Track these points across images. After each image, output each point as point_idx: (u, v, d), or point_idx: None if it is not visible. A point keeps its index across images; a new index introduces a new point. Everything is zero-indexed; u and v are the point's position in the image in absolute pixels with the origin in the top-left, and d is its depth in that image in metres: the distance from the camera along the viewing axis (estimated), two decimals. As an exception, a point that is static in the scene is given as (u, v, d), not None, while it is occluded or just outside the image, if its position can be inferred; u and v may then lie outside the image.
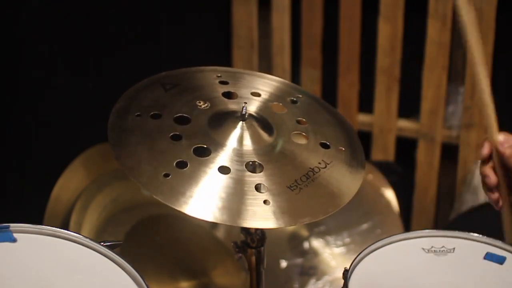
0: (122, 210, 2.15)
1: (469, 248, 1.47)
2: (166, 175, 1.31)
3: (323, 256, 2.32)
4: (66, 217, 2.07)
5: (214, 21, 2.73)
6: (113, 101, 1.46)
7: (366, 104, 2.66)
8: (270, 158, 1.38)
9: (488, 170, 1.21)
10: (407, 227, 2.56)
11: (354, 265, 1.41)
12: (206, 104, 1.45)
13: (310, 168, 1.39)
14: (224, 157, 1.36)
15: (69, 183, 2.13)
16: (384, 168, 2.47)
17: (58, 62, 2.53)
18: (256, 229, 1.50)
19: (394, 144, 2.68)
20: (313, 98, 1.58)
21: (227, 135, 1.39)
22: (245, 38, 2.69)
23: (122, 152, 1.34)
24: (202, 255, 2.23)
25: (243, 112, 1.41)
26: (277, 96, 1.52)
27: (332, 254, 2.31)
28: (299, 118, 1.48)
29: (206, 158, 1.35)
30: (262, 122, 1.43)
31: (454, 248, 1.46)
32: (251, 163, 1.37)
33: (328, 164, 1.41)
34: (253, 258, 1.53)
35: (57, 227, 1.35)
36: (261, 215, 1.30)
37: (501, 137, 1.24)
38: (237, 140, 1.39)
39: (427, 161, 2.64)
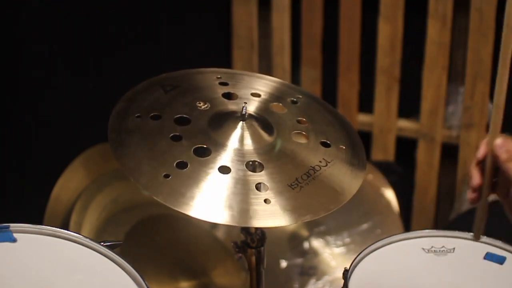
0: (122, 210, 2.15)
1: (469, 248, 1.47)
2: (166, 176, 1.31)
3: (323, 256, 2.32)
4: (66, 217, 2.07)
5: (214, 21, 2.73)
6: (113, 101, 1.46)
7: (366, 104, 2.66)
8: (271, 158, 1.38)
9: (475, 171, 1.23)
10: (407, 227, 2.56)
11: (354, 265, 1.41)
12: (206, 105, 1.45)
13: (310, 166, 1.39)
14: (224, 157, 1.36)
15: (69, 183, 2.13)
16: (384, 168, 2.47)
17: (58, 62, 2.53)
18: (256, 229, 1.50)
19: (394, 144, 2.68)
20: (313, 98, 1.58)
21: (227, 135, 1.39)
22: (245, 38, 2.69)
23: (122, 153, 1.34)
24: (202, 255, 2.23)
25: (243, 112, 1.42)
26: (277, 97, 1.52)
27: (332, 254, 2.31)
28: (299, 118, 1.48)
29: (206, 158, 1.35)
30: (262, 122, 1.44)
31: (454, 248, 1.46)
32: (251, 162, 1.37)
33: (329, 162, 1.41)
34: (253, 258, 1.53)
35: (57, 227, 1.35)
36: (262, 214, 1.30)
37: (499, 140, 1.24)
38: (237, 140, 1.39)
39: (427, 161, 2.64)
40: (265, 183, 1.34)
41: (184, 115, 1.42)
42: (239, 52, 2.71)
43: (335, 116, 1.54)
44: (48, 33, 2.48)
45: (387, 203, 2.38)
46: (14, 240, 1.31)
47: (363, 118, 2.69)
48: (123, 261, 1.31)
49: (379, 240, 1.47)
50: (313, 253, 2.32)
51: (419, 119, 2.62)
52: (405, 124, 2.66)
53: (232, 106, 1.46)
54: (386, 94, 2.62)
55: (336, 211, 1.36)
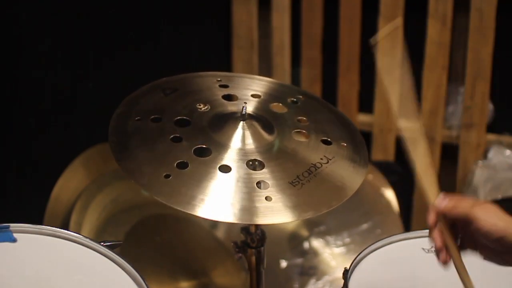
0: (122, 210, 2.15)
1: (469, 248, 1.46)
2: (167, 176, 1.31)
3: (323, 256, 2.32)
4: (66, 217, 2.07)
5: (214, 21, 2.73)
6: (113, 101, 1.46)
7: (366, 104, 2.66)
8: (271, 156, 1.39)
9: (435, 234, 1.22)
10: (407, 227, 2.55)
11: (354, 265, 1.41)
12: (206, 107, 1.45)
13: (312, 163, 1.39)
14: (225, 156, 1.36)
15: (69, 183, 2.13)
16: (384, 168, 2.47)
17: (58, 62, 2.53)
18: (256, 229, 1.50)
19: (394, 144, 2.68)
20: (313, 98, 1.59)
21: (228, 135, 1.40)
22: (245, 38, 2.69)
23: (123, 155, 1.35)
24: (202, 255, 2.23)
25: (243, 112, 1.42)
26: (277, 97, 1.53)
27: (332, 254, 2.31)
28: (299, 117, 1.48)
29: (207, 158, 1.35)
30: (262, 121, 1.44)
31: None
32: (252, 161, 1.37)
33: (330, 159, 1.41)
34: (253, 258, 1.53)
35: (57, 227, 1.35)
36: (264, 211, 1.30)
37: (438, 199, 1.24)
38: (238, 140, 1.39)
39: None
40: (266, 181, 1.34)
41: (184, 117, 1.42)
42: (239, 52, 2.71)
43: (336, 114, 1.55)
44: (48, 33, 2.48)
45: (387, 203, 2.38)
46: (14, 240, 1.32)
47: (363, 118, 2.68)
48: (123, 261, 1.32)
49: (379, 240, 1.47)
50: (313, 253, 2.32)
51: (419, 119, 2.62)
52: (405, 124, 2.65)
53: (232, 107, 1.46)
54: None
55: (336, 211, 1.36)
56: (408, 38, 2.55)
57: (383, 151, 2.68)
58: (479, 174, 2.54)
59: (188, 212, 1.28)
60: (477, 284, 1.40)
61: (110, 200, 2.15)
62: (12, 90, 2.51)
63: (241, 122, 1.41)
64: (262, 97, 1.51)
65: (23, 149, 2.57)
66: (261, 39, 2.70)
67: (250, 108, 1.46)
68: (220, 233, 2.27)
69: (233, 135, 1.40)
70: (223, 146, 1.37)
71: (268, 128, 1.43)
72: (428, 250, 1.47)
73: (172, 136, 1.38)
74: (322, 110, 1.55)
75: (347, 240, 2.32)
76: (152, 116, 1.41)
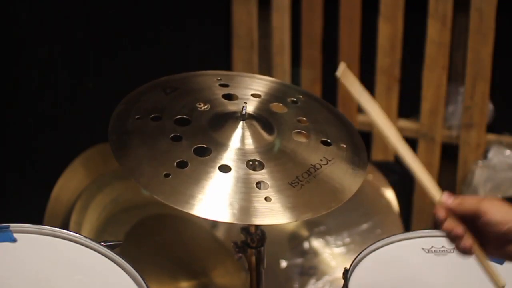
0: (122, 210, 2.15)
1: (469, 248, 1.46)
2: (167, 175, 1.31)
3: (323, 256, 2.31)
4: (66, 217, 2.07)
5: (214, 21, 2.73)
6: (113, 101, 1.46)
7: (366, 104, 2.66)
8: (271, 156, 1.39)
9: (450, 224, 1.21)
10: (407, 227, 2.56)
11: (354, 265, 1.41)
12: (206, 106, 1.45)
13: (311, 165, 1.39)
14: (224, 156, 1.36)
15: (69, 183, 2.13)
16: (384, 168, 2.47)
17: (58, 62, 2.53)
18: (256, 229, 1.50)
19: (394, 144, 2.67)
20: (313, 98, 1.58)
21: (228, 134, 1.39)
22: (245, 38, 2.69)
23: (123, 154, 1.35)
24: (202, 255, 2.23)
25: (243, 112, 1.42)
26: (278, 97, 1.53)
27: (332, 254, 2.31)
28: (299, 117, 1.48)
29: (207, 157, 1.35)
30: (262, 121, 1.44)
31: (454, 248, 1.46)
32: (252, 161, 1.37)
33: (329, 160, 1.41)
34: (253, 258, 1.53)
35: (57, 227, 1.35)
36: (263, 212, 1.30)
37: (444, 196, 1.24)
38: (238, 139, 1.39)
39: (427, 161, 2.64)
40: (266, 181, 1.34)
41: (184, 116, 1.42)
42: (239, 52, 2.71)
43: (336, 115, 1.54)
44: (48, 33, 2.48)
45: (387, 203, 2.38)
46: (14, 240, 1.32)
47: (363, 118, 2.68)
48: (123, 261, 1.32)
49: (379, 240, 1.47)
50: (313, 253, 2.32)
51: (419, 119, 2.62)
52: (405, 124, 2.66)
53: (232, 106, 1.46)
54: (386, 94, 2.62)
55: (336, 211, 1.36)
56: (408, 38, 2.57)
57: (383, 151, 2.68)
58: (479, 174, 2.54)
59: (187, 211, 1.28)
60: (478, 284, 1.40)
61: (110, 200, 2.15)
62: (12, 90, 2.51)
63: (241, 122, 1.41)
64: (262, 96, 1.51)
65: (23, 149, 2.57)
66: (261, 39, 2.70)
67: (250, 107, 1.46)
68: (220, 233, 2.27)
69: (233, 135, 1.40)
70: (223, 146, 1.37)
71: (268, 128, 1.43)
72: (428, 250, 1.47)
73: (172, 135, 1.38)
74: (322, 110, 1.54)
75: (347, 240, 2.32)
76: (152, 115, 1.41)
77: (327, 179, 1.38)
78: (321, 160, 1.40)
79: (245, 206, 1.30)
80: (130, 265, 1.31)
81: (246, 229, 1.51)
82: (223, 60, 2.72)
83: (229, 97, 1.49)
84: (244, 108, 1.42)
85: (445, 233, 1.22)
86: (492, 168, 2.53)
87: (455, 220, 1.21)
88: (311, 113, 1.51)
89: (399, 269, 1.43)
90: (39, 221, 2.04)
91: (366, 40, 2.60)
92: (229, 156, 1.36)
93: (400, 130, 2.66)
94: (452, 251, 1.46)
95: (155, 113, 1.42)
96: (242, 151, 1.38)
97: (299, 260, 2.31)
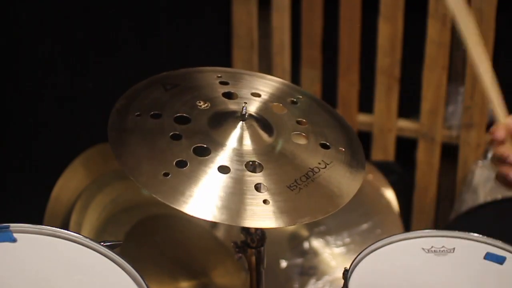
0: (122, 210, 2.15)
1: (469, 248, 1.47)
2: (166, 175, 1.31)
3: (323, 256, 2.32)
4: (66, 217, 2.07)
5: (214, 21, 2.73)
6: (113, 101, 1.46)
7: (366, 104, 2.66)
8: (270, 158, 1.38)
9: (506, 148, 1.18)
10: (407, 227, 2.56)
11: (354, 265, 1.41)
12: (206, 104, 1.45)
13: (310, 168, 1.39)
14: (224, 156, 1.36)
15: (69, 183, 2.13)
16: (384, 168, 2.47)
17: (58, 62, 2.53)
18: (256, 229, 1.50)
19: (394, 144, 2.68)
20: (313, 99, 1.58)
21: (227, 135, 1.39)
22: (245, 38, 2.69)
23: (122, 151, 1.35)
24: (202, 255, 2.23)
25: (243, 112, 1.42)
26: (277, 97, 1.52)
27: (332, 254, 2.31)
28: (299, 119, 1.48)
29: (206, 157, 1.35)
30: (262, 122, 1.44)
31: (454, 248, 1.46)
32: (251, 163, 1.37)
33: (328, 164, 1.41)
34: (253, 258, 1.53)
35: (57, 227, 1.35)
36: (261, 214, 1.30)
37: (509, 118, 1.22)
38: (237, 140, 1.39)
39: (427, 161, 2.64)
40: (264, 183, 1.34)
41: (184, 114, 1.42)
42: (239, 52, 2.71)
43: (335, 117, 1.54)
44: (48, 33, 2.48)
45: (387, 203, 2.38)
46: (14, 240, 1.31)
47: (363, 118, 2.69)
48: (123, 261, 1.31)
49: (379, 240, 1.47)
50: (313, 253, 2.32)
51: (419, 119, 2.62)
52: (405, 124, 2.66)
53: (232, 105, 1.46)
54: (386, 94, 2.62)
55: (336, 211, 1.36)
56: (408, 38, 2.57)
57: (383, 151, 2.68)
58: (479, 174, 2.54)
59: (186, 212, 1.28)
60: (478, 284, 1.40)
61: (110, 200, 2.14)
62: (12, 90, 2.51)
63: (241, 122, 1.41)
64: (262, 96, 1.51)
65: (23, 149, 2.57)
66: (261, 39, 2.70)
67: (250, 107, 1.45)
68: (220, 233, 2.27)
69: (233, 135, 1.39)
70: (222, 146, 1.37)
71: (268, 129, 1.43)
72: (428, 250, 1.47)
73: (171, 134, 1.37)
74: (321, 112, 1.54)
75: (347, 240, 2.32)
76: (152, 112, 1.41)
77: (325, 183, 1.38)
78: (319, 163, 1.40)
79: (243, 208, 1.30)
80: (130, 265, 1.31)
81: (246, 229, 1.51)
82: (223, 60, 2.72)
83: (229, 95, 1.49)
84: (244, 108, 1.42)
85: (497, 156, 1.19)
86: (492, 168, 2.53)
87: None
88: (310, 115, 1.50)
89: (399, 269, 1.43)
90: (39, 221, 2.03)
91: (366, 40, 2.60)
92: (228, 157, 1.36)
93: (400, 130, 2.66)
94: (452, 251, 1.46)
95: (155, 110, 1.41)
96: (241, 152, 1.38)
97: (299, 260, 2.31)
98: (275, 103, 1.50)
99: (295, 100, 1.53)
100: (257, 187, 1.33)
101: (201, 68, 1.55)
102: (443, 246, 1.47)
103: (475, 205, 2.43)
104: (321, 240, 2.33)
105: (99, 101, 2.04)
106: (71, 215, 2.06)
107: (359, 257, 1.42)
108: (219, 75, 1.53)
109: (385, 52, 2.57)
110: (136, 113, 1.40)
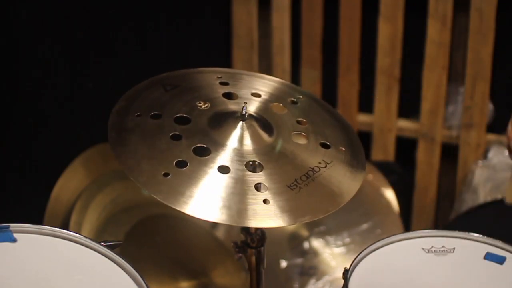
0: (122, 210, 2.15)
1: (469, 248, 1.47)
2: (166, 175, 1.31)
3: (323, 256, 2.32)
4: (66, 217, 2.07)
5: (214, 21, 2.73)
6: (113, 101, 1.46)
7: (366, 104, 2.66)
8: (270, 158, 1.39)
9: None
10: (407, 227, 2.56)
11: (354, 265, 1.41)
12: (206, 105, 1.45)
13: (310, 167, 1.39)
14: (224, 156, 1.36)
15: (69, 183, 2.13)
16: (384, 168, 2.47)
17: (58, 62, 2.53)
18: (256, 229, 1.50)
19: (394, 144, 2.68)
20: (313, 98, 1.58)
21: (227, 135, 1.39)
22: (245, 38, 2.69)
23: (122, 151, 1.35)
24: (202, 255, 2.23)
25: (243, 112, 1.42)
26: (277, 97, 1.52)
27: (332, 254, 2.31)
28: (299, 119, 1.48)
29: (206, 157, 1.35)
30: (262, 122, 1.44)
31: (454, 248, 1.46)
32: (251, 162, 1.37)
33: (328, 163, 1.41)
34: (253, 258, 1.53)
35: (57, 227, 1.35)
36: (261, 214, 1.30)
37: None
38: (237, 140, 1.39)
39: (427, 161, 2.64)
40: (264, 183, 1.34)
41: (184, 115, 1.42)
42: (239, 52, 2.71)
43: (335, 117, 1.54)
44: (48, 33, 2.48)
45: (387, 203, 2.38)
46: (14, 240, 1.31)
47: (363, 118, 2.68)
48: (123, 261, 1.31)
49: (379, 240, 1.47)
50: (313, 253, 2.32)
51: (419, 119, 2.62)
52: (405, 124, 2.66)
53: (232, 106, 1.46)
54: (386, 94, 2.62)
55: (336, 211, 1.36)
56: (408, 38, 2.57)
57: (383, 151, 2.68)
58: (479, 174, 2.54)
59: (185, 212, 1.28)
60: (478, 284, 1.40)
61: (110, 200, 2.15)
62: (12, 90, 2.51)
63: (241, 122, 1.41)
64: (262, 96, 1.51)
65: (23, 149, 2.57)
66: (261, 39, 2.70)
67: (250, 107, 1.45)
68: (220, 233, 2.27)
69: (233, 135, 1.39)
70: (222, 146, 1.37)
71: (268, 129, 1.43)
72: (428, 250, 1.47)
73: (171, 134, 1.38)
74: (321, 112, 1.54)
75: (347, 240, 2.32)
76: (152, 113, 1.41)
77: (326, 183, 1.38)
78: (319, 163, 1.40)
79: (244, 208, 1.30)
80: (130, 265, 1.31)
81: (246, 229, 1.51)
82: (223, 60, 2.72)
83: (229, 96, 1.49)
84: (244, 108, 1.42)
85: None
86: (492, 168, 2.53)
87: None
88: (310, 115, 1.50)
89: (399, 269, 1.43)
90: (39, 221, 2.03)
91: (366, 40, 2.60)
92: (228, 157, 1.36)
93: (400, 130, 2.66)
94: (452, 251, 1.46)
95: (155, 110, 1.41)
96: (241, 152, 1.38)
97: (299, 260, 2.31)
98: (275, 103, 1.50)
99: (295, 100, 1.53)
100: (258, 187, 1.33)
101: (201, 69, 1.55)
102: (443, 246, 1.47)
103: (475, 205, 2.43)
104: (321, 240, 2.33)
105: (99, 101, 2.04)
106: (71, 215, 2.06)
107: (359, 257, 1.42)
108: (219, 76, 1.53)
109: (385, 52, 2.57)
110: (136, 114, 1.40)
